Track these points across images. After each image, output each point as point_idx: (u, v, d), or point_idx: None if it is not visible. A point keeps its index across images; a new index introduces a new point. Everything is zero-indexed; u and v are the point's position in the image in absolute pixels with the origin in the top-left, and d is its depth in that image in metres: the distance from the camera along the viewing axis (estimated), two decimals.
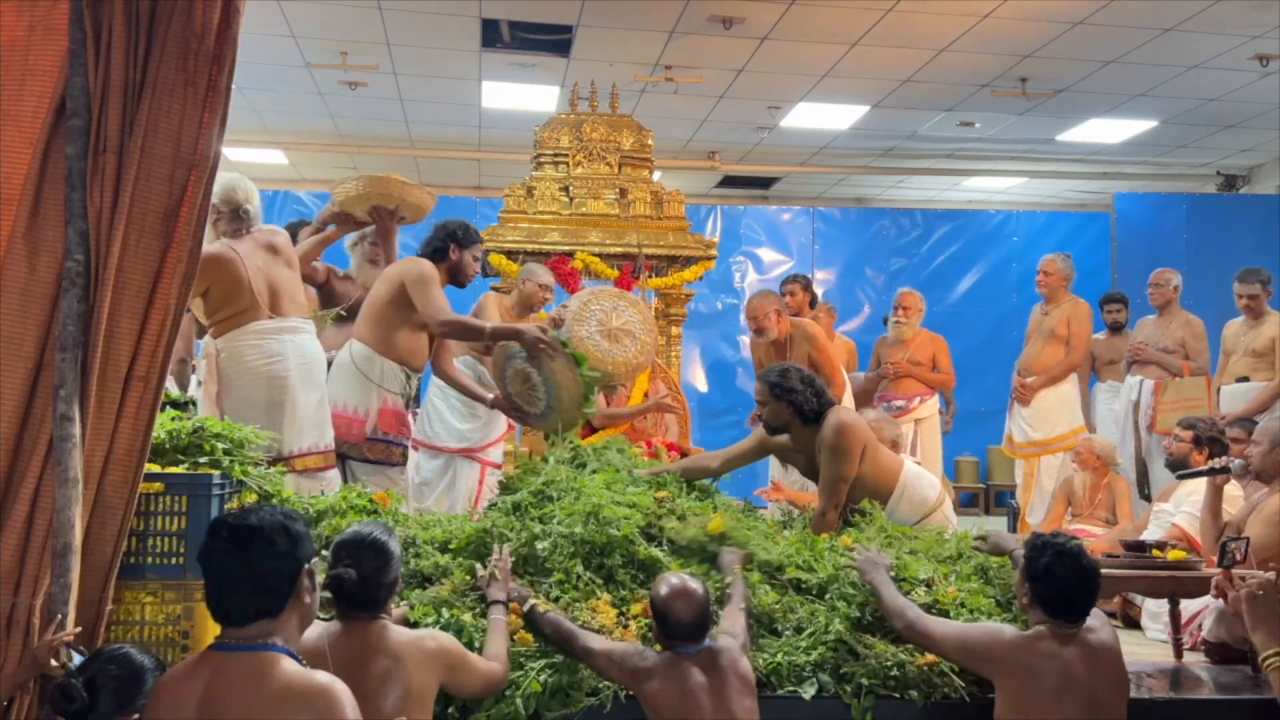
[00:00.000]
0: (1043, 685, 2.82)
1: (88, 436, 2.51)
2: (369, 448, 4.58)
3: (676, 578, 2.98)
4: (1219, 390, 6.15)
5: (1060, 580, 2.90)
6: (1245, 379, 5.91)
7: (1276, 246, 9.10)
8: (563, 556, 3.36)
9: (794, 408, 4.32)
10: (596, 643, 3.00)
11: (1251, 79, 8.32)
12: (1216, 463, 4.41)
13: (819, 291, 10.76)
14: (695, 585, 2.94)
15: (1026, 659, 2.86)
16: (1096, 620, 3.02)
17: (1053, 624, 2.91)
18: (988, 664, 2.94)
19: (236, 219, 4.24)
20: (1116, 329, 7.28)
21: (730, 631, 3.05)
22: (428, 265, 4.69)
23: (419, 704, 2.62)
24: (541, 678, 2.99)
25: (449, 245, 4.75)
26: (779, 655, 3.21)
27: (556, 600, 3.26)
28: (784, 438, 4.46)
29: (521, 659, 3.05)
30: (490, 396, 4.98)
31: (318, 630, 2.62)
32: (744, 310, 6.40)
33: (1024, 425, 6.99)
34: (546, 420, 4.77)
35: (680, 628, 2.88)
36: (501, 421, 5.41)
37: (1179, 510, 4.84)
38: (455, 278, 4.84)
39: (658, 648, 2.99)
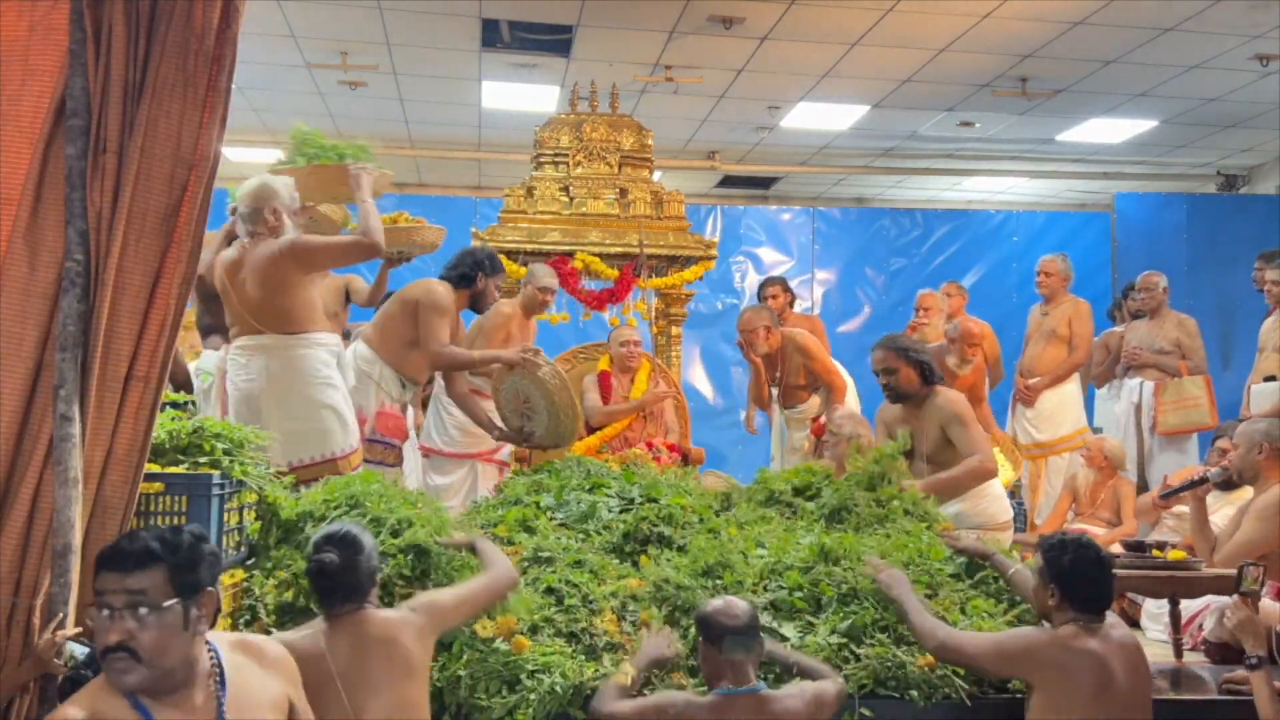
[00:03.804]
0: (1081, 680, 2.85)
1: (88, 436, 2.51)
2: (368, 449, 4.60)
3: (722, 600, 2.93)
4: (1248, 388, 6.09)
5: (1087, 576, 2.96)
6: (1273, 378, 5.85)
7: (1276, 247, 9.09)
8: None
9: (919, 367, 4.53)
10: (631, 703, 2.86)
11: (1251, 79, 8.31)
12: (1195, 475, 4.43)
13: (819, 292, 10.82)
14: (742, 607, 2.89)
15: (1064, 656, 2.88)
16: (1113, 618, 3.07)
17: (1081, 621, 2.95)
18: (1028, 665, 2.94)
19: (244, 220, 4.25)
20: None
21: (804, 687, 2.90)
22: (443, 294, 4.85)
23: (418, 676, 2.73)
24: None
25: (477, 273, 4.96)
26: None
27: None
28: (897, 412, 4.59)
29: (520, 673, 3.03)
30: (496, 430, 5.13)
31: (307, 632, 2.68)
32: (737, 326, 6.39)
33: (1028, 427, 6.97)
34: (549, 433, 4.96)
35: (730, 629, 2.80)
36: None
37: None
38: (476, 303, 5.08)
39: (683, 684, 2.94)
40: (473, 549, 3.29)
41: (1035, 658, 2.92)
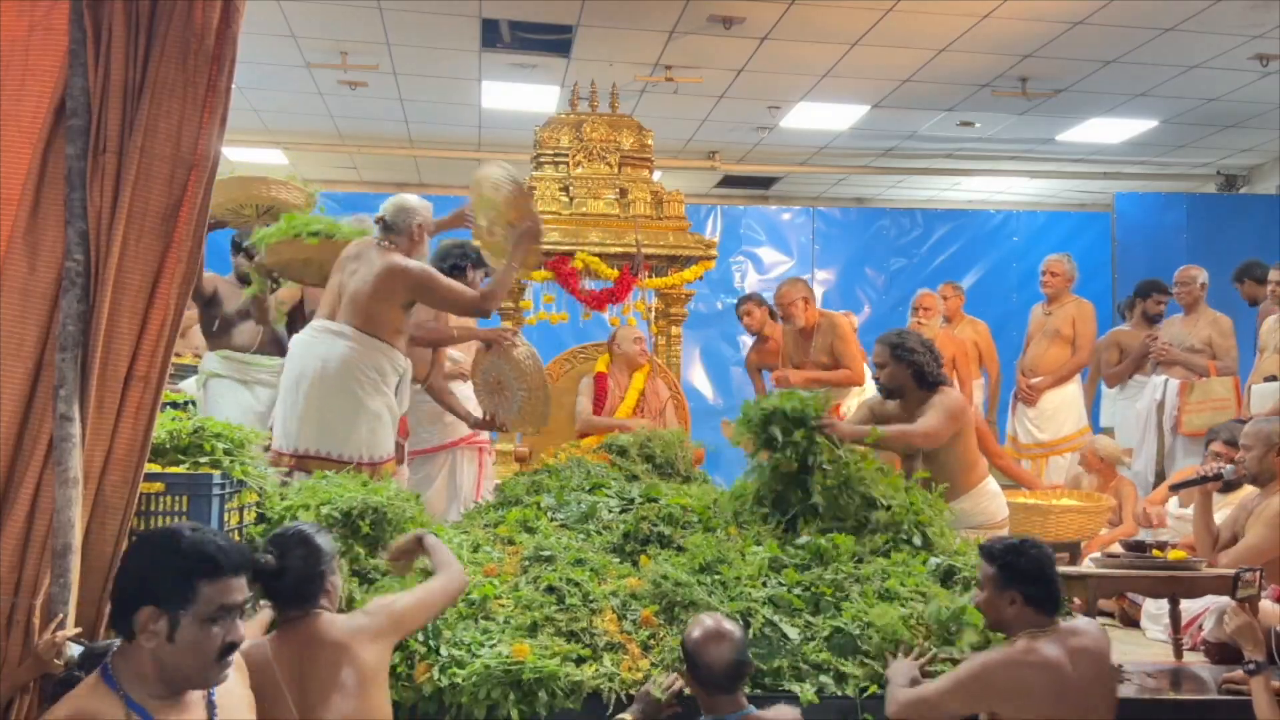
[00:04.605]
0: (1038, 696, 2.76)
1: (88, 436, 2.51)
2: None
3: (711, 619, 2.87)
4: (1249, 389, 6.07)
5: (1044, 576, 2.88)
6: (1273, 378, 5.83)
7: (1276, 246, 9.09)
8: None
9: (913, 370, 4.40)
10: None
11: (1251, 79, 8.31)
12: (1207, 470, 4.40)
13: (819, 291, 10.81)
14: (730, 626, 2.83)
15: (1020, 674, 2.79)
16: (1084, 621, 3.02)
17: (1038, 624, 2.87)
18: (989, 694, 2.83)
19: (380, 227, 4.41)
20: (1158, 320, 7.12)
21: (792, 711, 2.86)
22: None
23: (375, 681, 2.65)
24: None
25: (466, 265, 4.97)
26: (780, 657, 3.21)
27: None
28: (894, 406, 4.51)
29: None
30: (475, 416, 5.17)
31: (259, 643, 2.63)
32: (774, 299, 6.44)
33: (1030, 426, 6.97)
34: (520, 416, 5.09)
35: (711, 674, 2.75)
36: None
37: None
38: None
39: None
40: (420, 544, 3.16)
41: (993, 685, 2.80)
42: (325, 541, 2.78)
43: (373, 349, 4.23)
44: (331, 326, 4.24)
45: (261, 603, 2.86)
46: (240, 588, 2.10)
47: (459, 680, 2.99)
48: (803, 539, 3.68)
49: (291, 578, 2.67)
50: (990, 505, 4.49)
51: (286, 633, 2.65)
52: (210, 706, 2.15)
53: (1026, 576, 2.88)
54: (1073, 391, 6.99)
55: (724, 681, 2.76)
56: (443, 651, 3.06)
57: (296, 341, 4.34)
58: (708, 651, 2.76)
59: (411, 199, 4.49)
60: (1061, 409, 6.91)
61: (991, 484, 4.57)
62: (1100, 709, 2.87)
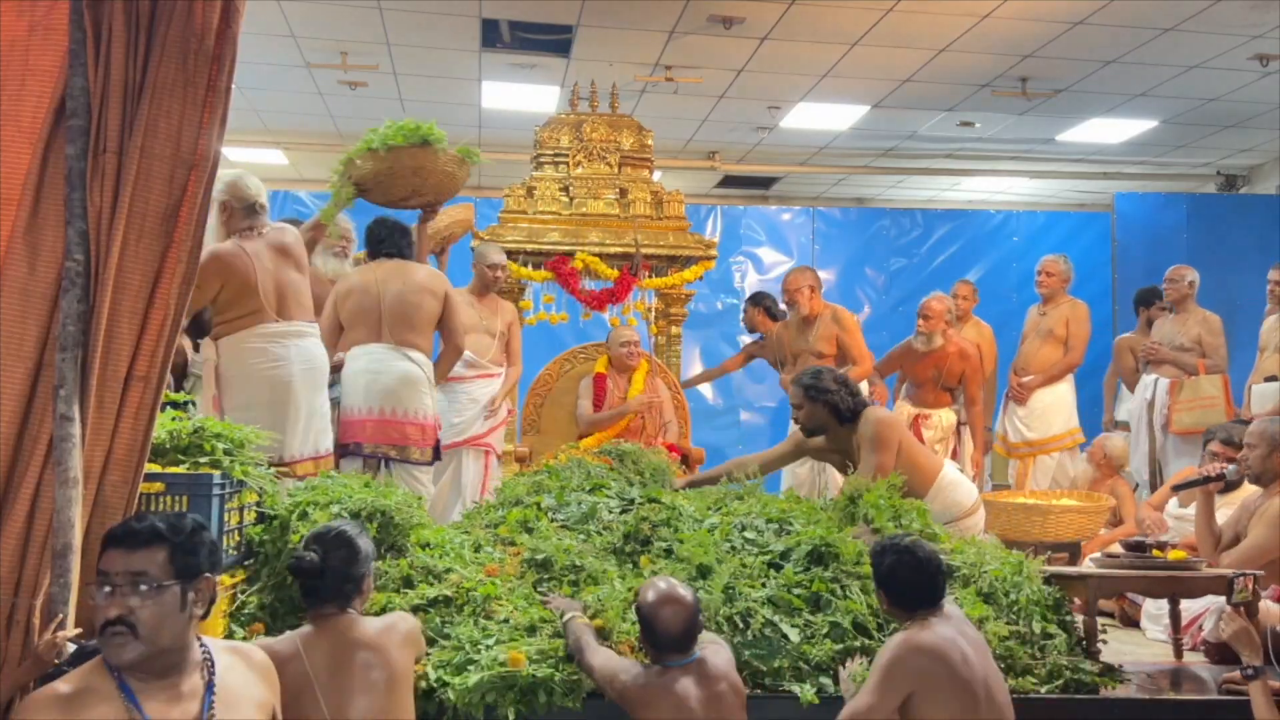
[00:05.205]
0: (949, 676, 2.77)
1: (88, 436, 2.51)
2: (439, 450, 4.87)
3: (664, 582, 2.90)
4: (1249, 389, 6.06)
5: (905, 579, 2.92)
6: (1274, 378, 5.83)
7: (1276, 246, 9.09)
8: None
9: (830, 408, 4.39)
10: (599, 658, 2.92)
11: (1251, 79, 8.31)
12: (1210, 471, 4.40)
13: None
14: (684, 591, 2.86)
15: (924, 662, 2.78)
16: (948, 607, 3.00)
17: (918, 616, 2.89)
18: (904, 676, 2.78)
19: (252, 214, 4.22)
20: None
21: (716, 639, 2.98)
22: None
23: (403, 685, 2.71)
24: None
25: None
26: (780, 657, 3.21)
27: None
28: (820, 439, 4.50)
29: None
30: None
31: (289, 638, 2.68)
32: (782, 286, 6.45)
33: (1019, 425, 6.97)
34: None
35: (667, 638, 2.80)
36: (500, 411, 5.53)
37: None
38: None
39: (644, 659, 2.91)
40: None
41: (903, 667, 2.77)
42: (366, 544, 2.84)
43: (317, 335, 4.29)
44: (288, 328, 4.15)
45: None
46: (113, 559, 2.15)
47: (457, 680, 2.98)
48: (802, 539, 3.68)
49: (331, 577, 2.73)
50: (954, 495, 4.43)
51: (318, 630, 2.70)
52: (208, 697, 2.16)
53: (886, 578, 2.96)
54: (1063, 391, 6.97)
55: (678, 643, 2.81)
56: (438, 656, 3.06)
57: (247, 353, 4.11)
58: (662, 615, 2.80)
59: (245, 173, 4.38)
60: (1051, 408, 6.89)
61: (949, 473, 4.50)
62: (995, 672, 2.89)
